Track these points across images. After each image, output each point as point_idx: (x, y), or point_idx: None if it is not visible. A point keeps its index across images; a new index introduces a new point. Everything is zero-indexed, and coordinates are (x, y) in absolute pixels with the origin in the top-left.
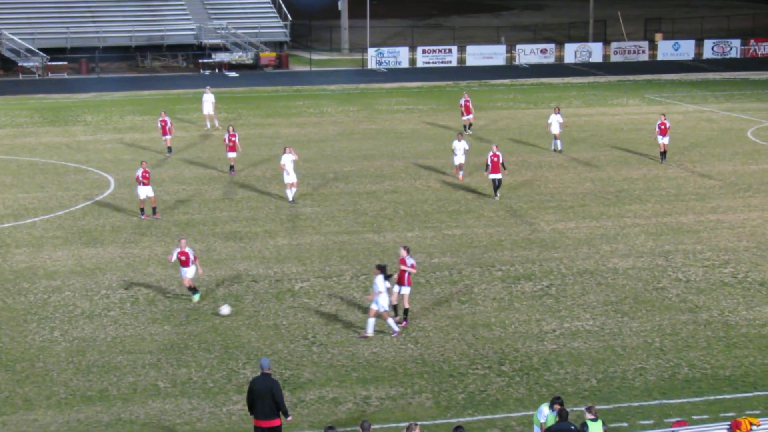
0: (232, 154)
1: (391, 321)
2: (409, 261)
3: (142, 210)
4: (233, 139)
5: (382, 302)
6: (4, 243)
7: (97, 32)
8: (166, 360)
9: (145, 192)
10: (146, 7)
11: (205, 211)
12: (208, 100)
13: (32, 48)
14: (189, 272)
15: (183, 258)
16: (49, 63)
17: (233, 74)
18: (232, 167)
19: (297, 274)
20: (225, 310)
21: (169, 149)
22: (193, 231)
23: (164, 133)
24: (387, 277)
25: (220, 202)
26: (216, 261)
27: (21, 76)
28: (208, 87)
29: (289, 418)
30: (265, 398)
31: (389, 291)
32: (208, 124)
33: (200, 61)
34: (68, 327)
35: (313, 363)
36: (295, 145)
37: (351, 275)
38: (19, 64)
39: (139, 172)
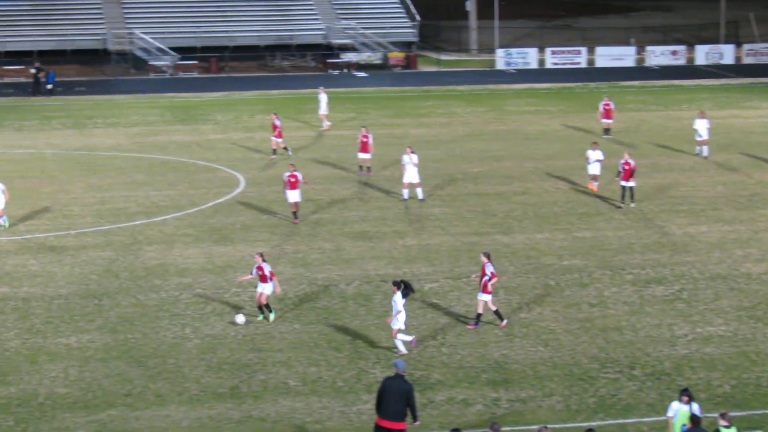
0: (363, 155)
1: (399, 338)
2: (489, 269)
3: (294, 214)
4: (365, 140)
5: (399, 320)
6: (136, 240)
7: (227, 32)
8: (296, 358)
9: (293, 196)
10: (276, 7)
11: (335, 210)
12: (323, 100)
13: (163, 47)
14: (267, 289)
15: (261, 273)
16: (180, 62)
17: (362, 74)
18: (361, 167)
19: (426, 274)
20: (240, 319)
21: (286, 149)
22: (323, 230)
23: (277, 136)
24: (405, 295)
25: (350, 202)
26: (345, 261)
27: (152, 75)
28: (321, 87)
29: (418, 422)
30: (397, 400)
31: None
32: (325, 124)
33: (328, 60)
34: (199, 324)
35: (442, 364)
36: (424, 145)
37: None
38: (151, 63)
39: (286, 175)
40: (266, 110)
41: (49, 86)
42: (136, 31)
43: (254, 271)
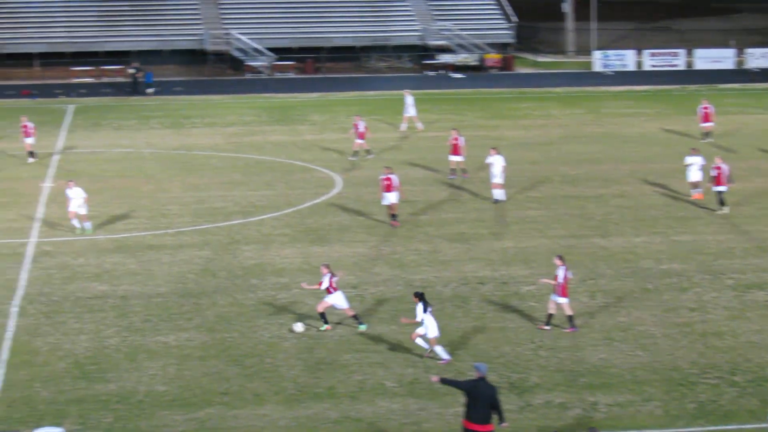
0: (455, 158)
1: (419, 340)
2: (561, 272)
3: (393, 216)
4: (456, 142)
5: (427, 327)
6: (233, 240)
7: (324, 33)
8: (393, 359)
9: (389, 198)
10: (371, 8)
11: (431, 212)
12: (409, 102)
13: (260, 48)
14: (332, 299)
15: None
16: (276, 63)
17: (458, 75)
18: (453, 170)
19: (523, 277)
20: (299, 327)
21: (368, 152)
22: (419, 232)
23: (359, 138)
24: (426, 306)
25: (446, 204)
26: (442, 262)
27: (248, 76)
28: (407, 89)
29: (506, 424)
30: (484, 403)
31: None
32: (403, 126)
33: (424, 62)
34: (297, 324)
35: (540, 367)
36: (520, 147)
37: (578, 280)
38: (247, 63)
39: (381, 178)
40: (362, 111)
41: (149, 89)
42: (233, 32)
43: (326, 282)
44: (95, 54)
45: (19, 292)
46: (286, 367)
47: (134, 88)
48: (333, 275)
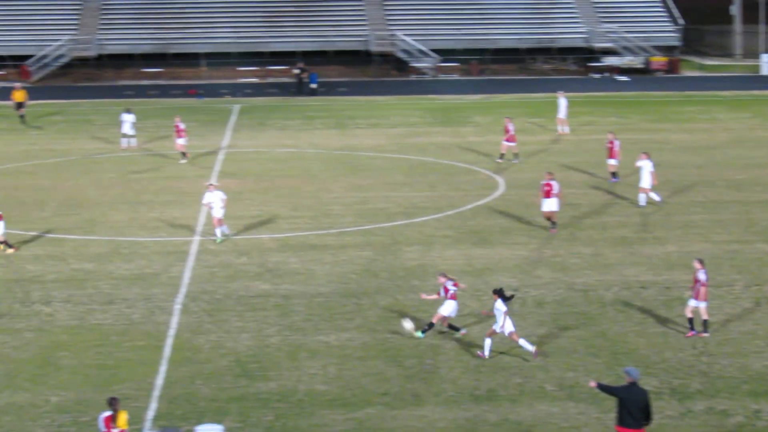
0: (611, 161)
1: (488, 341)
2: (702, 275)
3: (552, 223)
4: (611, 146)
5: (506, 325)
6: (396, 240)
7: (488, 34)
8: (554, 363)
9: (547, 205)
10: (536, 10)
11: (594, 215)
12: (562, 104)
13: (424, 49)
14: (447, 308)
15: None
16: (441, 64)
17: (623, 78)
18: (613, 174)
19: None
20: (407, 324)
21: (515, 155)
22: (582, 235)
23: (508, 140)
24: (506, 300)
25: (609, 207)
26: (604, 266)
27: (413, 77)
28: (561, 91)
29: (651, 423)
30: (638, 408)
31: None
32: (560, 129)
33: (589, 64)
34: (458, 325)
35: (701, 373)
36: (685, 151)
37: (742, 285)
38: (412, 64)
39: (542, 183)
40: (526, 113)
41: (313, 86)
42: (398, 33)
43: (442, 291)
44: (261, 54)
45: (183, 290)
46: (445, 368)
47: (299, 89)
48: (454, 283)
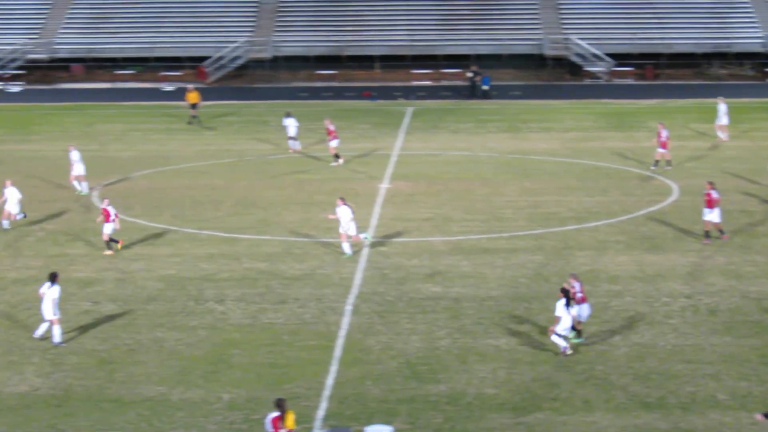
0: None
1: (554, 337)
2: None
3: (706, 233)
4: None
5: (562, 326)
6: (567, 245)
7: (664, 39)
8: (726, 372)
9: (708, 215)
10: (713, 14)
11: None
12: (722, 110)
13: (599, 53)
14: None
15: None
16: (615, 68)
17: None
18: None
19: None
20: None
21: (668, 162)
22: (757, 243)
23: (662, 146)
24: (569, 302)
25: None
26: None
27: (587, 81)
28: (720, 97)
29: None
30: None
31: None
32: (720, 135)
33: (766, 69)
34: (628, 332)
35: None
36: None
37: None
38: (586, 68)
39: (704, 192)
40: (701, 119)
41: (485, 88)
42: (573, 37)
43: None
44: (435, 57)
45: (354, 291)
46: (616, 375)
47: (472, 92)
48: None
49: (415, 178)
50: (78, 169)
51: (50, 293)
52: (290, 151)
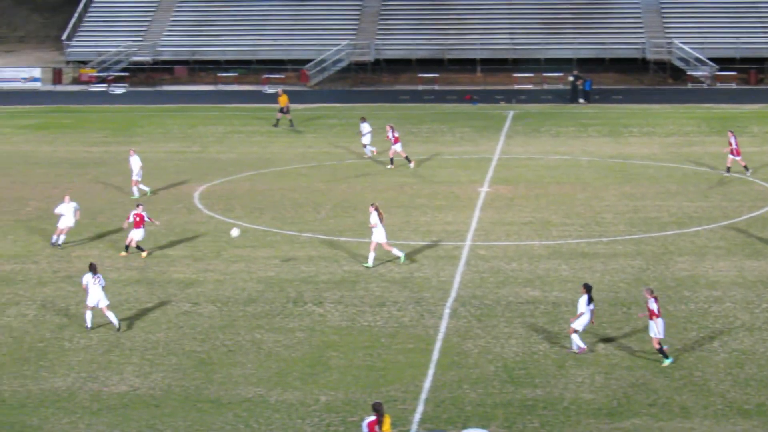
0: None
1: (574, 336)
2: None
3: None
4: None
5: (579, 323)
6: (667, 250)
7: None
8: None
9: None
10: None
11: None
12: None
13: (702, 57)
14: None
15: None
16: (718, 73)
17: None
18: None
19: None
20: (234, 232)
21: (746, 168)
22: None
23: (733, 153)
24: (591, 299)
25: None
26: None
27: (690, 85)
28: None
29: None
30: None
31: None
32: None
33: None
34: (727, 338)
35: None
36: None
37: None
38: (689, 73)
39: None
40: None
41: (586, 93)
42: (675, 41)
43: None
44: (536, 61)
45: (452, 294)
46: (715, 381)
47: (573, 96)
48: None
49: (515, 182)
50: (137, 174)
51: (95, 282)
52: (365, 157)
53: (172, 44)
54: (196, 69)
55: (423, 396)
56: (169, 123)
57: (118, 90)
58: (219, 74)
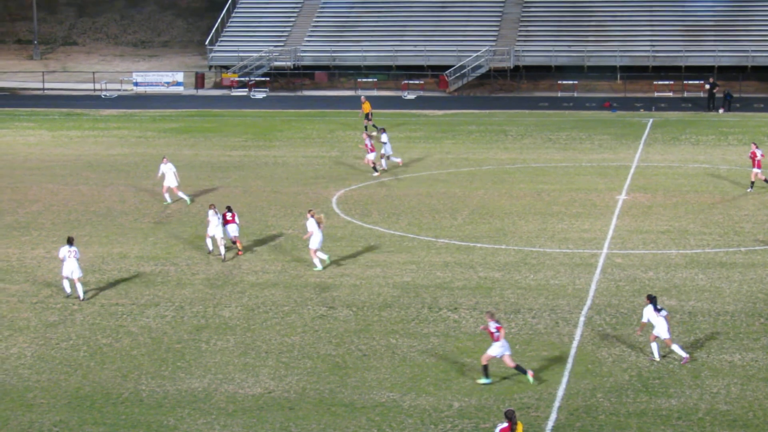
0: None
1: (675, 347)
2: None
3: None
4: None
5: (659, 331)
6: None
7: None
8: None
9: None
10: None
11: None
12: None
13: None
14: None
15: None
16: None
17: None
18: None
19: None
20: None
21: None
22: None
23: (756, 166)
24: (657, 309)
25: None
26: None
27: None
28: None
29: None
30: None
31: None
32: None
33: None
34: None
35: None
36: None
37: None
38: None
39: None
40: None
41: (720, 111)
42: None
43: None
44: (677, 69)
45: (588, 302)
46: None
47: (710, 104)
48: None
49: (653, 190)
50: (170, 180)
51: (71, 255)
52: (375, 174)
53: (312, 50)
54: (336, 74)
55: (556, 404)
56: (309, 128)
57: (259, 95)
58: (359, 79)
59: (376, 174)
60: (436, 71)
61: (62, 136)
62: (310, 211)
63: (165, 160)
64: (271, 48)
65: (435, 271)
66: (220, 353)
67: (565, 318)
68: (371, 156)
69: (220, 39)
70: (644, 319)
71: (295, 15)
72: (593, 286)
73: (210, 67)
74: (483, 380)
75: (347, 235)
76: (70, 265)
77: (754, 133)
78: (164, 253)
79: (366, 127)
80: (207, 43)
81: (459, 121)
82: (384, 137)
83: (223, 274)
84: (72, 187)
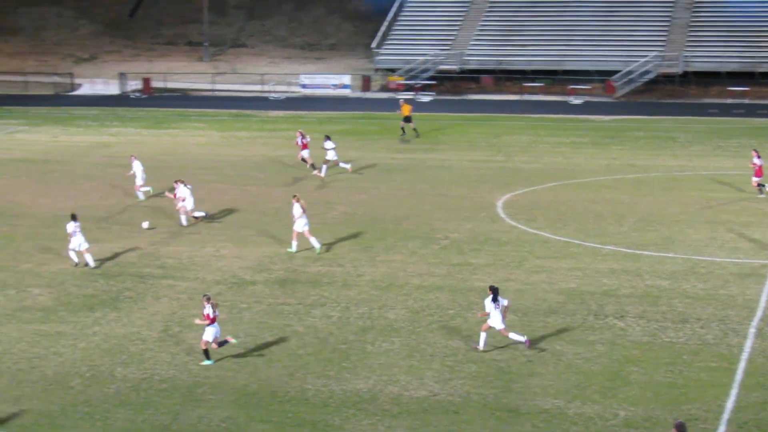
0: None
1: (512, 335)
2: None
3: None
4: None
5: (493, 321)
6: None
7: None
8: None
9: None
10: None
11: None
12: None
13: None
14: None
15: None
16: None
17: None
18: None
19: None
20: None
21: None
22: None
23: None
24: (494, 300)
25: None
26: None
27: None
28: None
29: None
30: None
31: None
32: None
33: None
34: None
35: None
36: None
37: None
38: None
39: None
40: None
41: None
42: None
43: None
44: None
45: (758, 313)
46: None
47: None
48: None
49: None
50: (139, 179)
51: (77, 229)
52: (314, 172)
53: (478, 54)
54: (501, 78)
55: (725, 416)
56: (474, 132)
57: (425, 98)
58: (525, 84)
59: (315, 173)
60: (603, 76)
61: (231, 137)
62: (294, 196)
63: (133, 158)
64: (437, 52)
65: (601, 278)
66: (384, 355)
67: (735, 329)
68: (305, 153)
69: (386, 42)
70: (486, 309)
71: (461, 19)
72: (764, 297)
73: (376, 70)
74: (206, 362)
75: (512, 240)
76: (77, 239)
77: None
78: (330, 254)
79: (403, 129)
80: (373, 46)
81: (626, 127)
82: (328, 144)
83: (388, 276)
84: (240, 187)
